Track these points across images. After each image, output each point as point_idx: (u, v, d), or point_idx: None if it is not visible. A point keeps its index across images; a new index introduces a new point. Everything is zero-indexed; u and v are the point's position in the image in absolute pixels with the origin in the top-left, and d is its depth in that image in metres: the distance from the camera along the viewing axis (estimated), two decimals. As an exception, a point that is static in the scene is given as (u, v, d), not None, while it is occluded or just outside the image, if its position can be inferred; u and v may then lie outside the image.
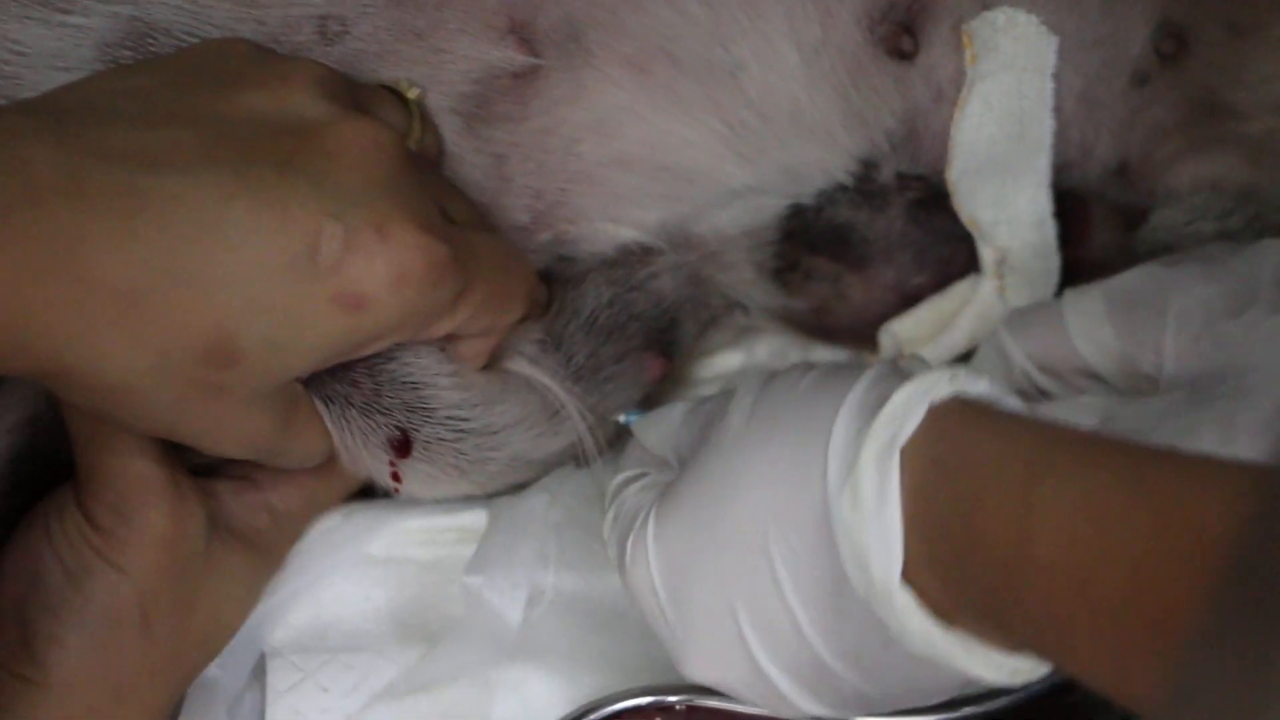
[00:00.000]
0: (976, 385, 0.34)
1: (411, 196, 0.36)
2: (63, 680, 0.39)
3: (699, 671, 0.37)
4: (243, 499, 0.43)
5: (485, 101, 0.44)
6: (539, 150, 0.45)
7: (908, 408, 0.33)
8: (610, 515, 0.41)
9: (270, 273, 0.34)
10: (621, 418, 0.49)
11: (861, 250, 0.51)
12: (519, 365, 0.45)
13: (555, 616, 0.45)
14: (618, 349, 0.48)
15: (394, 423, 0.43)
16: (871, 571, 0.32)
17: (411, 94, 0.41)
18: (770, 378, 0.39)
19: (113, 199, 0.32)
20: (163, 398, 0.35)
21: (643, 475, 0.42)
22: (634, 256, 0.49)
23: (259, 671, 0.45)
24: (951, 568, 0.32)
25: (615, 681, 0.44)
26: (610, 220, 0.47)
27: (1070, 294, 0.44)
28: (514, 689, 0.43)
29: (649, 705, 0.42)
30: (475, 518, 0.48)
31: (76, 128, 0.33)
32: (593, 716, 0.42)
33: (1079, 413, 0.42)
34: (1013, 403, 0.35)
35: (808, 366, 0.39)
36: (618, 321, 0.48)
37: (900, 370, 0.36)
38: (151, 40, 0.39)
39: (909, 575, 0.32)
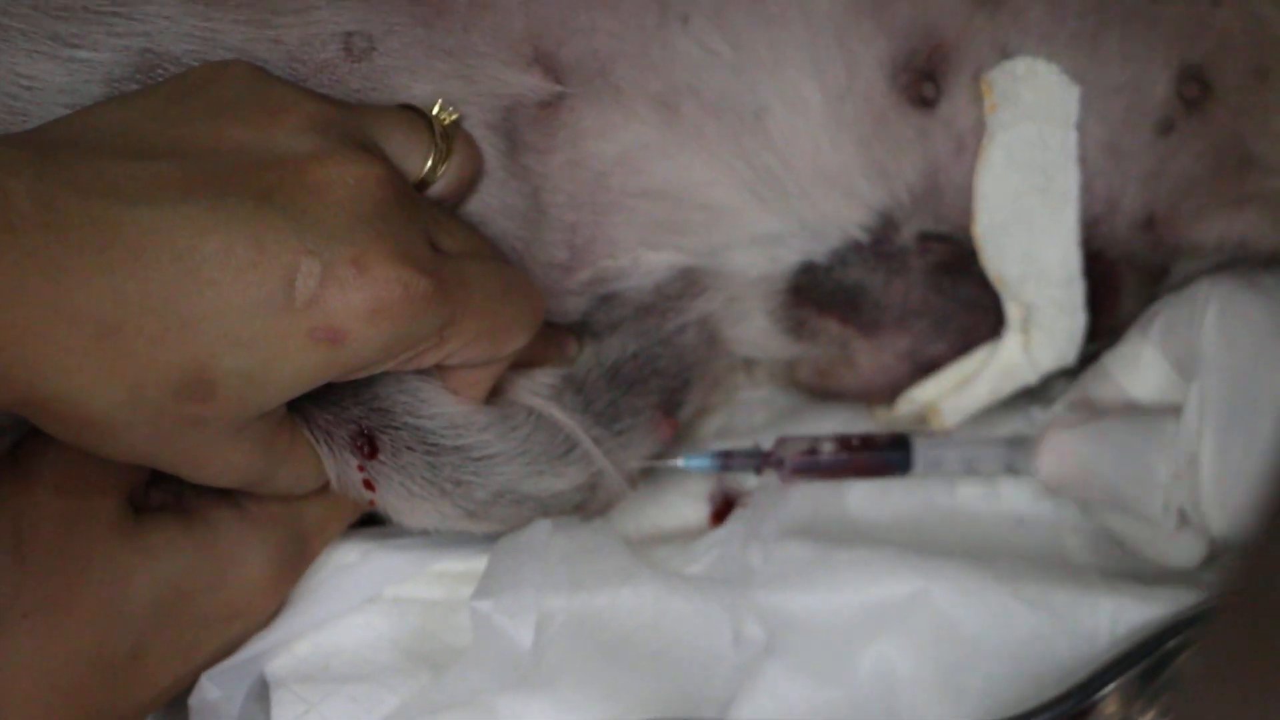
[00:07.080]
0: None
1: (396, 230, 0.36)
2: None
3: None
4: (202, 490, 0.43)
5: (516, 129, 0.44)
6: (568, 181, 0.45)
7: None
8: None
9: (246, 307, 0.34)
10: (681, 461, 0.49)
11: (873, 315, 0.51)
12: (528, 399, 0.45)
13: (565, 641, 0.44)
14: (636, 403, 0.48)
15: (353, 418, 0.42)
16: None
17: (444, 116, 0.41)
18: None
19: (88, 230, 0.33)
20: (139, 431, 0.35)
21: None
22: (669, 300, 0.49)
23: (263, 703, 0.44)
24: None
25: (624, 712, 0.42)
26: (649, 247, 0.47)
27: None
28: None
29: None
30: (490, 563, 0.48)
31: (57, 160, 0.34)
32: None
33: None
34: None
35: None
36: (640, 375, 0.48)
37: None
38: (161, 71, 0.39)
39: None
